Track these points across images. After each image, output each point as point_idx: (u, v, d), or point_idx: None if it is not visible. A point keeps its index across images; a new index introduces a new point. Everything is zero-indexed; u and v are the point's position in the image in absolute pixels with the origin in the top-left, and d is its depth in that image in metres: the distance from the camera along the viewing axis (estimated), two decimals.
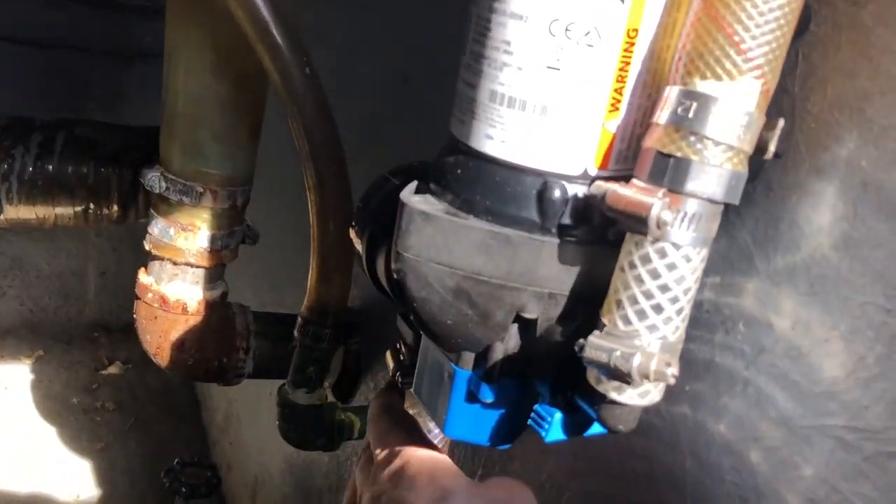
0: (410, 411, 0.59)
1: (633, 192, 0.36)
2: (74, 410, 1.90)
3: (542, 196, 0.39)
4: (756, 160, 0.38)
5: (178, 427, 1.90)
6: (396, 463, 0.48)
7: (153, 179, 0.80)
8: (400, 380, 0.57)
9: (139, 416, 1.92)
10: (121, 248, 2.13)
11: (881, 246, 0.36)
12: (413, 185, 0.45)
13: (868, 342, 0.37)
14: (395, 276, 0.45)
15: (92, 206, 1.25)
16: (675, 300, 0.36)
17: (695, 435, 0.47)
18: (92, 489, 1.71)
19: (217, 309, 0.87)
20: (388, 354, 0.63)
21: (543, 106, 0.38)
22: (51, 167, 1.19)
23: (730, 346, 0.44)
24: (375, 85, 0.94)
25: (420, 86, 0.83)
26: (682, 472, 0.48)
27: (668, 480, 0.49)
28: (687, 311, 0.37)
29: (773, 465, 0.42)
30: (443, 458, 0.48)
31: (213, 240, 0.81)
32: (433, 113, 0.79)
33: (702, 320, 0.46)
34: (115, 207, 1.26)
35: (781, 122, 0.35)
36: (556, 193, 0.39)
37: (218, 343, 0.88)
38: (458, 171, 0.42)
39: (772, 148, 0.36)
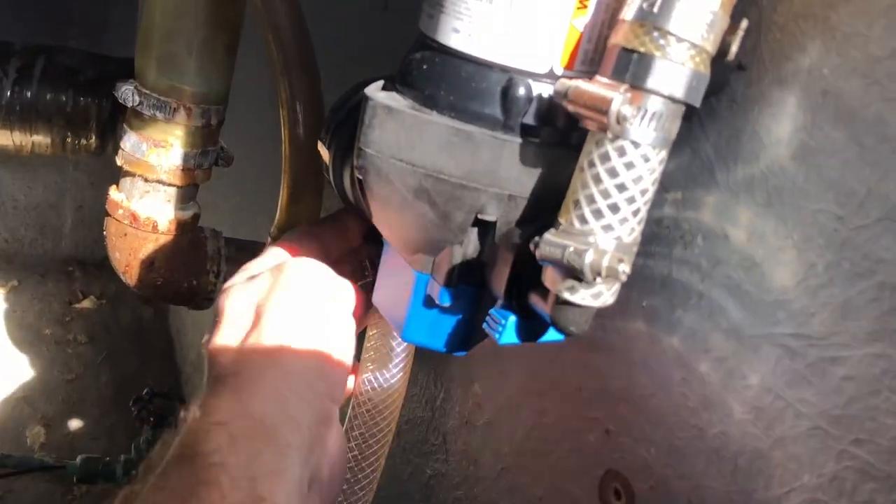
0: (371, 331, 0.59)
1: (595, 87, 0.36)
2: (47, 341, 1.89)
3: (507, 93, 0.39)
4: (721, 70, 0.39)
5: (151, 363, 1.90)
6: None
7: (126, 92, 0.79)
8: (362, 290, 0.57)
9: (111, 350, 1.92)
10: (98, 182, 2.10)
11: (837, 154, 0.36)
12: (379, 83, 0.45)
13: (819, 250, 0.37)
14: (356, 174, 0.45)
15: (70, 135, 1.23)
16: (631, 200, 0.37)
17: (648, 349, 0.48)
18: (62, 418, 1.72)
19: (188, 230, 0.86)
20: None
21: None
22: (29, 94, 1.17)
23: (687, 260, 0.45)
24: (354, 13, 0.93)
25: (400, 13, 0.82)
26: (634, 386, 0.49)
27: (621, 395, 0.50)
28: (643, 214, 0.38)
29: (721, 376, 0.43)
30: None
31: (185, 158, 0.80)
32: (411, 40, 0.78)
33: (661, 236, 0.46)
34: (94, 138, 1.25)
35: (745, 24, 0.36)
36: (521, 91, 0.39)
37: (188, 265, 0.88)
38: (424, 66, 0.42)
39: (734, 49, 0.36)
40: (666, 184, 0.44)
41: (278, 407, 0.43)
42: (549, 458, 0.58)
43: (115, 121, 1.27)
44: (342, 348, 0.49)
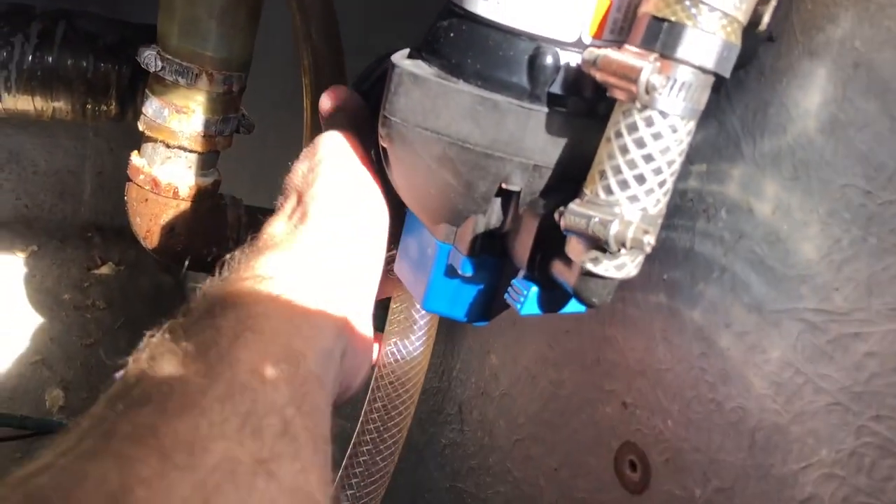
0: (395, 304, 0.59)
1: (624, 56, 0.35)
2: (65, 306, 1.92)
3: (534, 62, 0.39)
4: (751, 42, 0.38)
5: None
6: None
7: (149, 57, 0.79)
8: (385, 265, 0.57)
9: (129, 316, 1.94)
10: (118, 149, 2.11)
11: (867, 126, 0.36)
12: (405, 51, 0.45)
13: (844, 224, 0.37)
14: (381, 142, 0.45)
15: (90, 101, 1.24)
16: (657, 171, 0.36)
17: (668, 322, 0.48)
18: (81, 381, 1.74)
19: (209, 197, 0.87)
20: None
21: None
22: (50, 58, 1.17)
23: (710, 233, 0.44)
24: None
25: None
26: (653, 359, 0.49)
27: (639, 368, 0.50)
28: (669, 185, 0.37)
29: (741, 350, 0.43)
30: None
31: (207, 124, 0.80)
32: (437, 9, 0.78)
33: (684, 209, 0.46)
34: (113, 104, 1.25)
35: None
36: (549, 59, 0.39)
37: (208, 232, 0.89)
38: (451, 34, 0.41)
39: (766, 20, 0.35)
40: (691, 156, 0.44)
41: (320, 277, 0.44)
42: (565, 429, 0.58)
43: (134, 87, 1.28)
44: (379, 217, 0.50)
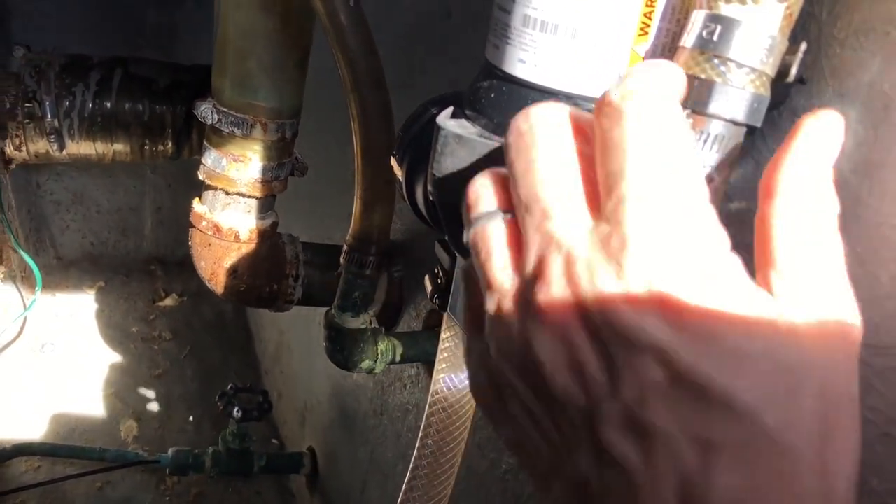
0: (445, 334, 0.62)
1: None
2: (134, 339, 1.99)
3: None
4: (782, 86, 0.39)
5: (232, 356, 1.98)
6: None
7: (206, 111, 0.83)
8: (437, 301, 0.60)
9: (194, 346, 2.00)
10: (175, 184, 2.19)
11: None
12: (449, 110, 0.47)
13: (883, 262, 0.38)
14: (430, 197, 0.48)
15: (147, 142, 1.30)
16: None
17: None
18: (152, 412, 1.81)
19: (268, 237, 0.91)
20: (427, 279, 0.66)
21: (574, 30, 0.39)
22: (108, 104, 1.23)
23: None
24: (418, 20, 0.95)
25: (462, 21, 0.84)
26: None
27: None
28: None
29: None
30: None
31: (263, 171, 0.84)
32: (474, 48, 0.80)
33: None
34: (170, 144, 1.31)
35: (804, 47, 0.36)
36: None
37: (269, 270, 0.93)
38: (492, 95, 0.44)
39: (794, 71, 0.37)
40: (730, 194, 0.46)
41: None
42: None
43: (189, 127, 1.33)
44: None
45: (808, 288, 0.30)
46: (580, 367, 0.29)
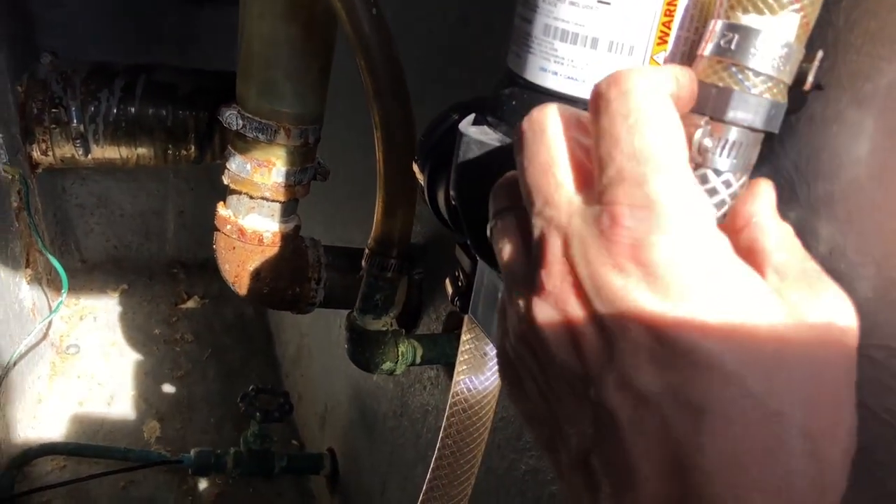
0: (465, 336, 0.63)
1: None
2: (156, 340, 2.02)
3: None
4: (799, 92, 0.40)
5: (253, 358, 2.01)
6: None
7: (231, 117, 0.85)
8: (457, 303, 0.61)
9: (216, 348, 2.03)
10: (198, 188, 2.22)
11: None
12: (471, 117, 0.48)
13: None
14: (452, 202, 0.49)
15: (171, 146, 1.32)
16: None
17: None
18: (174, 412, 1.83)
19: (291, 241, 0.92)
20: (447, 282, 0.67)
21: (594, 39, 0.40)
22: (133, 109, 1.26)
23: None
24: (436, 27, 0.96)
25: (479, 28, 0.85)
26: None
27: None
28: None
29: None
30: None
31: (287, 175, 0.85)
32: (493, 54, 0.81)
33: None
34: (192, 148, 1.33)
35: (820, 54, 0.37)
36: None
37: (291, 273, 0.94)
38: (514, 102, 0.45)
39: (810, 79, 0.38)
40: None
41: None
42: None
43: (211, 131, 1.35)
44: None
45: (795, 273, 0.34)
46: (578, 339, 0.31)
